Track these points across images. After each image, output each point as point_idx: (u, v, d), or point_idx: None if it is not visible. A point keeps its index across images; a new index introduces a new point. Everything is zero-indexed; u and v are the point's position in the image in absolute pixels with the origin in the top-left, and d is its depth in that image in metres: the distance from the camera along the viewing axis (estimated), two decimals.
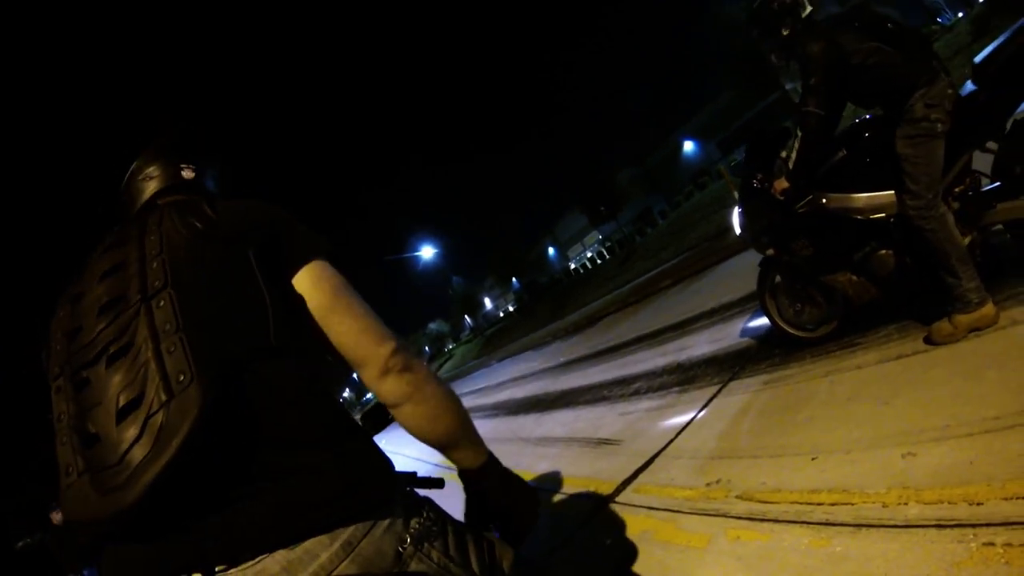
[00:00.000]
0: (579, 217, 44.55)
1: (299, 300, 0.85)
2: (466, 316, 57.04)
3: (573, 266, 40.48)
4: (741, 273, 6.72)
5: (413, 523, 0.80)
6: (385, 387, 0.84)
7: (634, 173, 40.51)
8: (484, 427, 7.16)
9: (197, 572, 0.66)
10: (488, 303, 64.02)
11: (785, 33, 2.39)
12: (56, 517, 6.18)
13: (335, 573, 0.68)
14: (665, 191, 37.95)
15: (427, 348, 73.18)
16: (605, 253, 30.79)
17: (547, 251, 57.72)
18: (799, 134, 2.34)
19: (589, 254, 41.66)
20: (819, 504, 1.68)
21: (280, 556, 0.67)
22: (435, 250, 34.51)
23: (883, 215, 2.30)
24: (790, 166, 2.42)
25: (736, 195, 9.95)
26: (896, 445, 1.74)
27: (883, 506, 1.51)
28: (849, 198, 2.37)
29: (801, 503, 1.73)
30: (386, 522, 0.75)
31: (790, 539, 1.61)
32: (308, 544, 0.68)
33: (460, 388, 16.26)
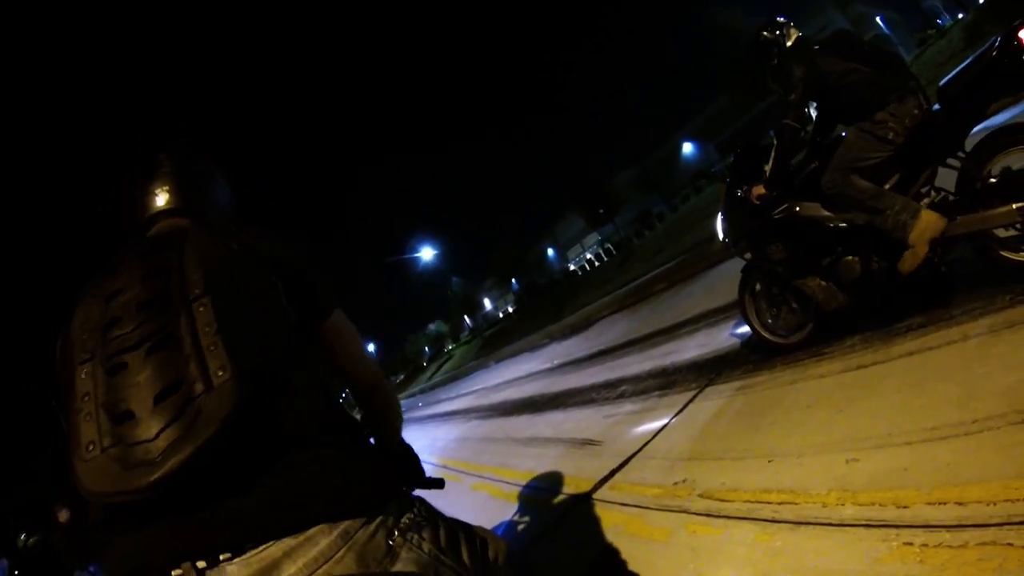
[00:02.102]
0: (579, 219, 44.70)
1: (321, 336, 1.02)
2: (465, 317, 57.22)
3: (572, 267, 40.56)
4: (731, 278, 6.81)
5: (405, 517, 0.86)
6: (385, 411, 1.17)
7: (633, 174, 40.66)
8: (480, 428, 7.36)
9: (201, 560, 0.70)
10: (488, 304, 64.14)
11: (774, 61, 2.62)
12: (62, 515, 6.27)
13: (333, 559, 0.73)
14: (664, 192, 38.07)
15: (427, 348, 73.28)
16: (603, 255, 30.91)
17: (547, 252, 57.85)
18: (775, 144, 2.55)
19: (588, 256, 41.77)
20: (768, 503, 1.82)
21: (284, 543, 0.72)
22: (435, 251, 34.66)
23: (846, 224, 2.47)
24: (767, 174, 2.61)
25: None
26: (843, 451, 1.87)
27: (823, 506, 1.64)
28: (818, 206, 2.54)
29: (753, 502, 1.88)
30: (381, 516, 0.81)
31: (739, 534, 1.75)
32: (310, 532, 0.73)
33: (459, 389, 16.40)
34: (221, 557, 0.70)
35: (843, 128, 2.65)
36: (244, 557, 0.70)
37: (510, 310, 51.60)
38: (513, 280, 48.57)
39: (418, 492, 1.09)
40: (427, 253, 34.47)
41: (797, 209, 2.59)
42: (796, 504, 1.72)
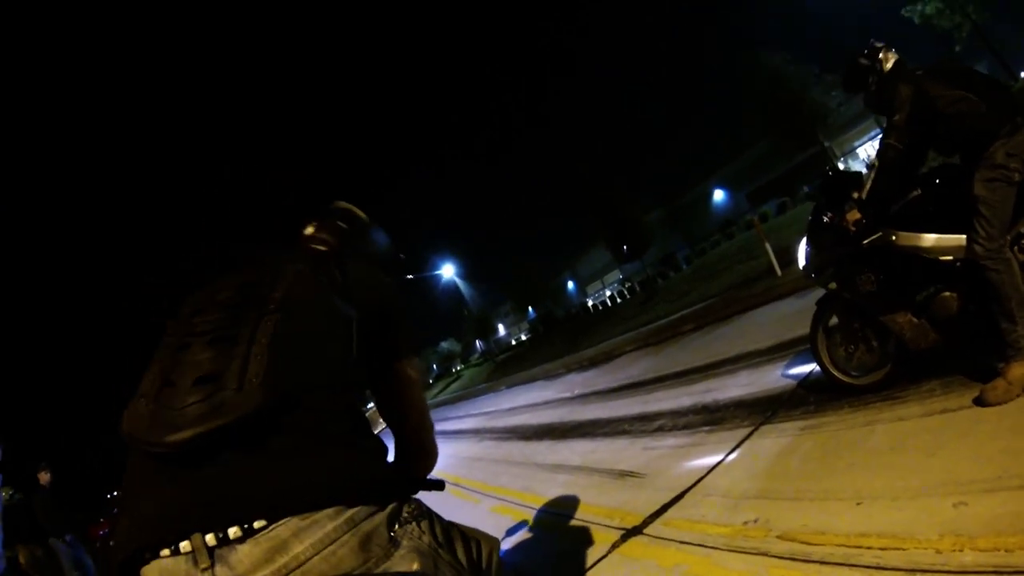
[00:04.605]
0: (601, 254, 44.52)
1: (391, 375, 1.13)
2: (477, 342, 56.98)
3: (591, 303, 40.27)
4: (767, 324, 6.68)
5: (406, 510, 0.91)
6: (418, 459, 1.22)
7: (661, 215, 40.54)
8: (496, 449, 7.18)
9: (210, 533, 0.75)
10: (501, 329, 63.84)
11: (872, 88, 2.56)
12: (43, 477, 6.21)
13: (338, 541, 0.77)
14: (690, 236, 37.88)
15: (435, 367, 72.87)
16: (625, 292, 30.64)
17: (566, 285, 57.70)
18: (876, 164, 2.45)
19: (608, 293, 41.50)
20: (868, 548, 1.67)
21: (292, 524, 0.76)
22: (454, 269, 34.78)
23: (950, 258, 2.34)
24: (864, 196, 2.51)
25: (766, 245, 9.83)
26: (945, 495, 1.73)
27: (937, 552, 1.51)
28: (919, 237, 2.41)
29: (848, 546, 1.72)
30: (386, 508, 0.87)
31: None
32: (317, 516, 0.78)
33: (467, 409, 16.15)
34: (231, 533, 0.75)
35: (942, 160, 2.55)
36: (255, 537, 0.75)
37: (523, 338, 51.24)
38: (530, 308, 48.42)
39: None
40: (447, 271, 34.60)
41: (893, 238, 2.47)
42: (904, 550, 1.58)
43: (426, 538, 0.89)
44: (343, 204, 1.36)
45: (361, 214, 1.37)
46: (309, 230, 1.28)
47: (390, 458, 1.13)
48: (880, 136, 2.46)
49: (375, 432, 1.01)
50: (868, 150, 30.55)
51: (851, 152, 31.41)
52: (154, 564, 0.77)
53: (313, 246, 1.23)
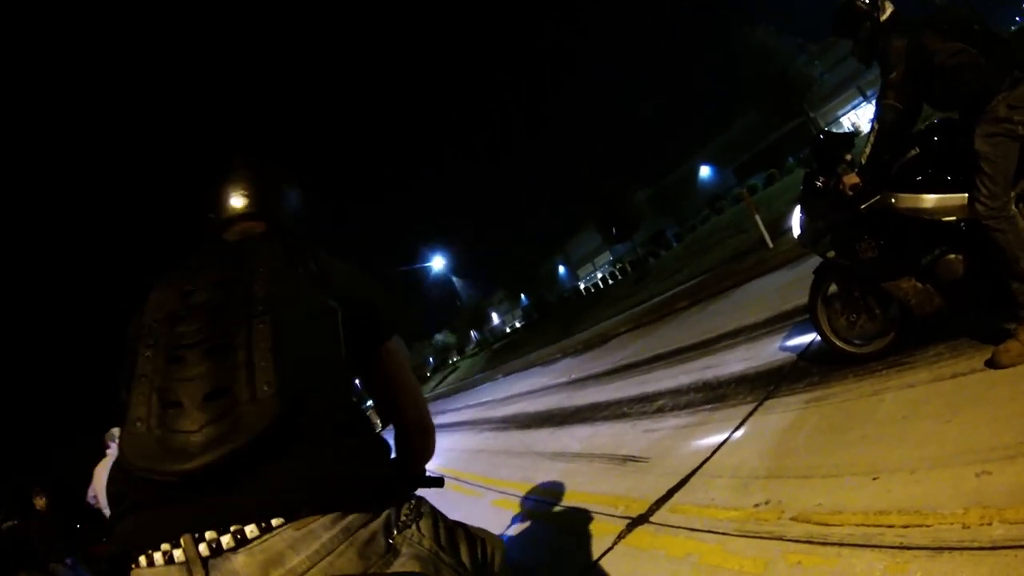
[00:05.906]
0: (591, 237, 44.40)
1: (376, 359, 1.06)
2: (472, 332, 56.84)
3: (583, 286, 40.22)
4: (762, 296, 6.62)
5: (404, 515, 0.87)
6: (417, 439, 1.14)
7: (649, 194, 40.40)
8: (495, 440, 7.09)
9: (203, 544, 0.72)
10: (495, 318, 63.72)
11: (864, 35, 2.42)
12: (39, 502, 6.10)
13: (335, 552, 0.75)
14: (679, 214, 37.79)
15: (431, 359, 72.64)
16: (617, 274, 30.58)
17: (558, 269, 57.57)
18: (876, 127, 2.32)
19: (599, 275, 41.43)
20: (889, 526, 1.58)
21: (287, 535, 0.73)
22: (445, 261, 34.60)
23: (954, 218, 2.24)
24: (863, 161, 2.38)
25: (756, 217, 9.70)
26: (966, 464, 1.65)
27: (964, 527, 1.42)
28: (919, 198, 2.30)
29: (868, 525, 1.63)
30: (384, 512, 0.84)
31: (861, 564, 1.50)
32: (312, 526, 0.74)
33: (465, 400, 16.07)
34: (224, 543, 0.72)
35: (937, 115, 2.44)
36: (249, 547, 0.72)
37: (518, 325, 51.24)
38: (523, 295, 48.29)
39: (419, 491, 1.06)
40: (437, 263, 34.41)
41: (893, 201, 2.36)
42: (928, 526, 1.49)
43: (426, 542, 0.87)
44: (245, 159, 1.23)
45: (271, 167, 1.24)
46: (240, 203, 1.16)
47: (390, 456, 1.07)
48: (876, 97, 2.33)
49: (377, 431, 0.97)
50: (852, 119, 30.60)
51: (834, 122, 31.43)
52: (147, 572, 0.75)
53: (246, 224, 1.15)
